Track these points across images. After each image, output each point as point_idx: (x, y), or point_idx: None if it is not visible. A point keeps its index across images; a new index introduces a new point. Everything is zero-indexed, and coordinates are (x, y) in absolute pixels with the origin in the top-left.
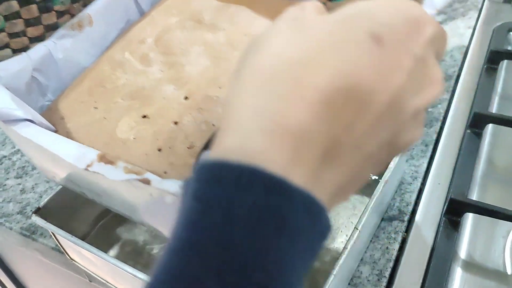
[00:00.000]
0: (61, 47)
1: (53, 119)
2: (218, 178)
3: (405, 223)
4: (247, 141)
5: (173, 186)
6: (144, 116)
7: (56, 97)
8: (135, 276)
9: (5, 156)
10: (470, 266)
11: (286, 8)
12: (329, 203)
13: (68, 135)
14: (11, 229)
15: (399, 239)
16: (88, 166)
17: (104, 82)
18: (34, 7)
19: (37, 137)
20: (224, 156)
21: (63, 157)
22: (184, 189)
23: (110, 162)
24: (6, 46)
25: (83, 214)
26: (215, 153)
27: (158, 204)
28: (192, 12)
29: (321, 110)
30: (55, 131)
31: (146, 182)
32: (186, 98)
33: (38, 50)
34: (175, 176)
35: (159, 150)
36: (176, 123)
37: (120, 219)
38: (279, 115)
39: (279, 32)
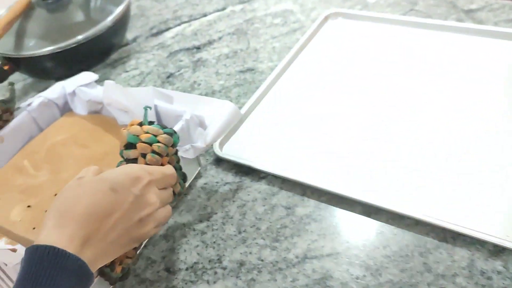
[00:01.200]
0: None
1: None
2: (32, 255)
3: None
4: (48, 236)
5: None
6: (29, 206)
7: None
8: None
9: None
10: None
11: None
12: (94, 263)
13: None
14: None
15: None
16: None
17: (7, 181)
18: None
19: None
20: (38, 242)
21: None
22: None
23: None
24: None
25: None
26: (39, 240)
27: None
28: (72, 134)
29: (82, 220)
30: None
31: (13, 250)
32: (55, 194)
33: None
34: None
35: (34, 228)
36: (46, 210)
37: None
38: (62, 225)
39: (70, 185)
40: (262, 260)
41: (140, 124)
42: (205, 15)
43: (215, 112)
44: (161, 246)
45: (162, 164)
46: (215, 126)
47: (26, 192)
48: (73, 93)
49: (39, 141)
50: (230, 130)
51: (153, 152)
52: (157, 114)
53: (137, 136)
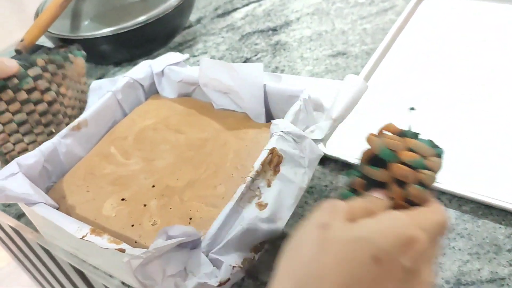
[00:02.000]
0: (64, 143)
1: (57, 198)
2: None
3: None
4: None
5: (139, 252)
6: (123, 199)
7: (58, 180)
8: None
9: None
10: None
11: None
12: None
13: (67, 211)
14: None
15: None
16: (83, 236)
17: (94, 171)
18: None
19: (48, 215)
20: None
21: (66, 229)
22: None
23: (98, 234)
24: None
25: None
26: None
27: (127, 265)
28: (162, 117)
29: None
30: (58, 208)
31: (122, 250)
32: (153, 186)
33: (47, 147)
34: (142, 245)
35: (132, 225)
36: (145, 205)
37: None
38: None
39: (310, 237)
40: None
41: (401, 135)
42: None
43: (330, 91)
44: None
45: (424, 203)
46: (341, 101)
47: (117, 183)
48: (161, 74)
49: (126, 125)
50: None
51: (420, 183)
52: (265, 95)
53: (394, 152)
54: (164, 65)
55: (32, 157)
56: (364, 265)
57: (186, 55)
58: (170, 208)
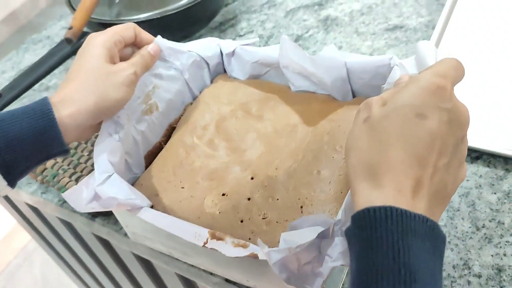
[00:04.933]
0: (139, 130)
1: (147, 194)
2: (385, 221)
3: None
4: (372, 200)
5: (276, 256)
6: (223, 194)
7: (142, 174)
8: None
9: None
10: None
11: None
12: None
13: (164, 210)
14: None
15: None
16: (205, 243)
17: (183, 164)
18: None
19: (159, 222)
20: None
21: (185, 237)
22: (348, 236)
23: (220, 238)
24: None
25: None
26: (357, 207)
27: (263, 267)
28: (240, 103)
29: (403, 169)
30: (152, 206)
31: (255, 256)
32: (252, 178)
33: (126, 138)
34: (257, 242)
35: (241, 221)
36: (249, 199)
37: None
38: (380, 183)
39: (358, 136)
40: None
41: None
42: None
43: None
44: None
45: None
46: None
47: (213, 177)
48: (232, 54)
49: (201, 111)
50: None
51: None
52: (348, 73)
53: None
54: (236, 45)
55: (116, 151)
56: (413, 126)
57: (257, 38)
58: (278, 199)
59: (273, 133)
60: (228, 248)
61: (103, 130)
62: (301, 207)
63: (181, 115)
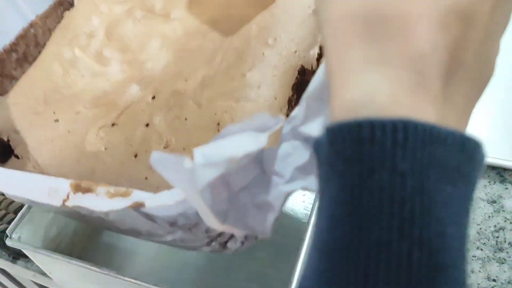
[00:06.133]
0: None
1: (6, 130)
2: (369, 137)
3: None
4: (372, 93)
5: (171, 198)
6: (113, 124)
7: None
8: None
9: None
10: None
11: None
12: (464, 121)
13: (27, 154)
14: None
15: None
16: (65, 200)
17: (59, 87)
18: None
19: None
20: (355, 113)
21: (35, 199)
22: (317, 153)
23: (88, 190)
24: None
25: None
26: (340, 111)
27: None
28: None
29: (435, 32)
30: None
31: (139, 205)
32: (153, 97)
33: None
34: (157, 180)
35: (135, 156)
36: (147, 125)
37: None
38: (394, 52)
39: None
40: (494, 280)
41: None
42: None
43: None
44: None
45: None
46: None
47: (99, 103)
48: None
49: (85, 14)
50: None
51: None
52: None
53: None
54: None
55: None
56: None
57: None
58: (186, 119)
59: (183, 36)
60: (101, 201)
61: None
62: (218, 124)
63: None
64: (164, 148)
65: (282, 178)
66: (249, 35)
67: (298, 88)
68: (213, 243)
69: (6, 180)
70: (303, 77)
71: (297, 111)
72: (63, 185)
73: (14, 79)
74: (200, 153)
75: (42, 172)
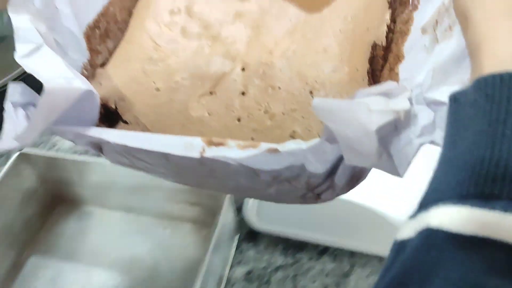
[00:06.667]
0: None
1: (112, 98)
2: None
3: None
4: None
5: (297, 145)
6: (211, 93)
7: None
8: None
9: None
10: None
11: None
12: None
13: (135, 119)
14: None
15: None
16: (202, 153)
17: (153, 60)
18: None
19: (131, 141)
20: (506, 68)
21: (173, 152)
22: (455, 101)
23: (219, 144)
24: None
25: None
26: (491, 68)
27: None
28: None
29: None
30: (119, 114)
31: (274, 150)
32: (243, 69)
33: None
34: (263, 140)
35: (238, 120)
36: (243, 93)
37: None
38: None
39: None
40: None
41: None
42: None
43: None
44: None
45: None
46: None
47: (194, 74)
48: None
49: None
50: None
51: None
52: None
53: None
54: None
55: (39, 22)
56: None
57: None
58: (279, 88)
59: (259, 13)
60: (235, 152)
61: None
62: (311, 92)
63: None
64: (265, 112)
65: (413, 133)
66: (322, 14)
67: (371, 62)
68: (309, 194)
69: (137, 137)
70: (374, 52)
71: (423, 80)
72: (196, 140)
73: (99, 53)
74: (370, 102)
75: None
